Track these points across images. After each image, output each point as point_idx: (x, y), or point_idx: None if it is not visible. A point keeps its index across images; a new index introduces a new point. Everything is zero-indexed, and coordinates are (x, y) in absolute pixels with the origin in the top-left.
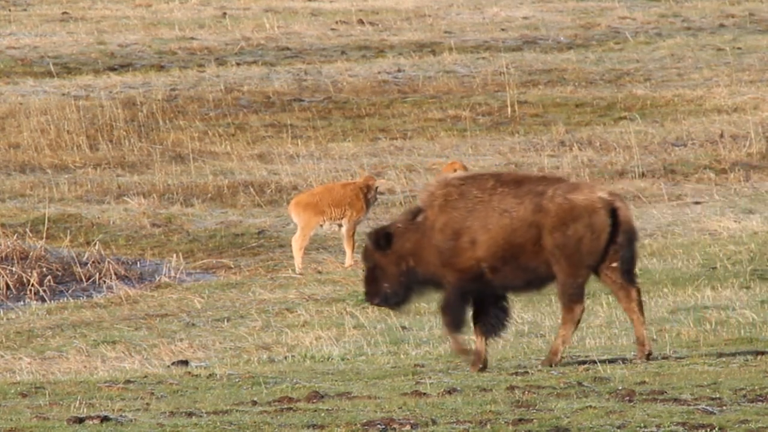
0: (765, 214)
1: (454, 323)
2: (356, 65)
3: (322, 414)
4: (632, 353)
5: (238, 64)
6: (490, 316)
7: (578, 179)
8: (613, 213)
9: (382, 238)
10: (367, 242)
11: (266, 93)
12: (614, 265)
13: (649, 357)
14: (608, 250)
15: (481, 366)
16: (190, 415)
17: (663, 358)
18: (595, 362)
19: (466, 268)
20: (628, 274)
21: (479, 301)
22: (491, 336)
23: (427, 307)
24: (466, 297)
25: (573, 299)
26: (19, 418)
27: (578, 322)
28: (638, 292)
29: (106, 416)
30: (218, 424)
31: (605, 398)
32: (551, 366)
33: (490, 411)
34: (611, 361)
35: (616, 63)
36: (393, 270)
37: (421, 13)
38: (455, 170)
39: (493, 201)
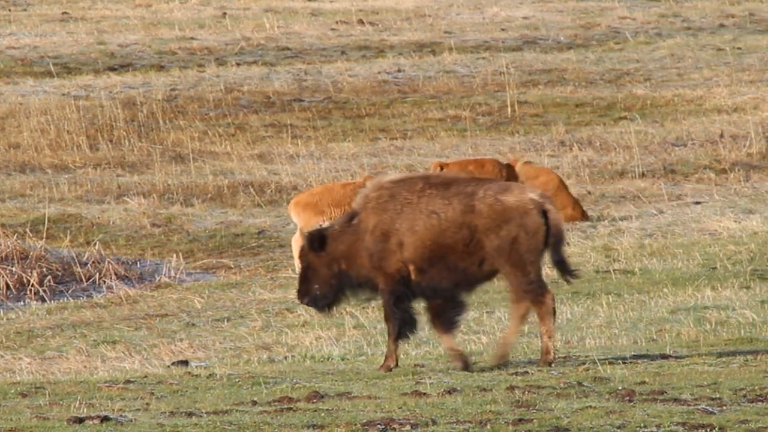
0: (765, 214)
1: (401, 331)
2: (356, 65)
3: (322, 414)
4: (632, 353)
5: (238, 64)
6: (446, 311)
7: (510, 181)
8: (544, 215)
9: (317, 240)
10: (303, 242)
11: (266, 93)
12: None
13: (549, 365)
14: (546, 247)
15: (463, 365)
16: (190, 415)
17: (663, 358)
18: (595, 362)
19: (395, 271)
20: (562, 269)
21: (429, 302)
22: (453, 329)
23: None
24: (401, 299)
25: (537, 293)
26: (19, 418)
27: (554, 311)
28: (553, 299)
29: (106, 416)
30: (218, 424)
31: (605, 398)
32: (550, 365)
33: (490, 411)
34: (611, 361)
35: (616, 63)
36: (325, 272)
37: (421, 13)
38: (441, 169)
39: (421, 203)
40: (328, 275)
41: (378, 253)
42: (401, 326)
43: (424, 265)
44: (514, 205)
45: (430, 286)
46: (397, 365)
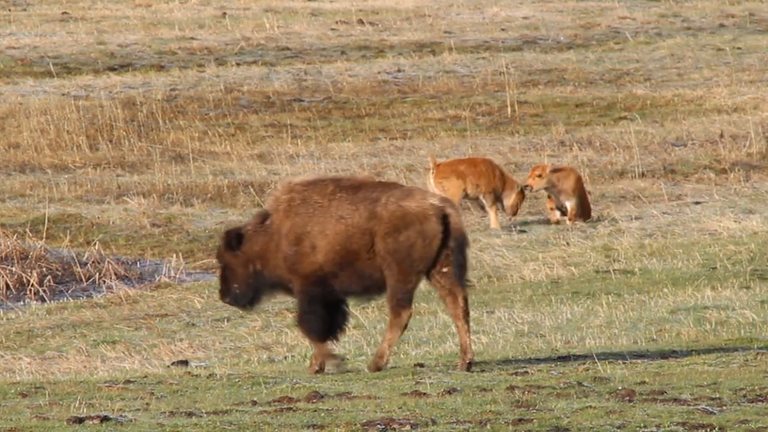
0: (765, 214)
1: (318, 332)
2: (356, 65)
3: (322, 414)
4: (632, 353)
5: (238, 64)
6: (332, 318)
7: (412, 186)
8: (445, 219)
9: (233, 239)
10: (220, 242)
11: (266, 93)
12: (445, 270)
13: (470, 367)
14: (440, 255)
15: (317, 369)
16: (190, 415)
17: (663, 358)
18: (595, 362)
19: (309, 273)
20: (459, 279)
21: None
22: (331, 338)
23: (427, 307)
24: (315, 300)
25: (401, 304)
26: (19, 418)
27: (405, 326)
28: (465, 299)
29: (106, 416)
30: (218, 424)
31: (605, 398)
32: (378, 370)
33: (490, 411)
34: (611, 361)
35: (616, 63)
36: (242, 271)
37: (421, 13)
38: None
39: (331, 207)
40: (245, 274)
41: (292, 256)
42: (309, 328)
43: (335, 269)
44: (415, 211)
45: (342, 290)
46: (334, 359)
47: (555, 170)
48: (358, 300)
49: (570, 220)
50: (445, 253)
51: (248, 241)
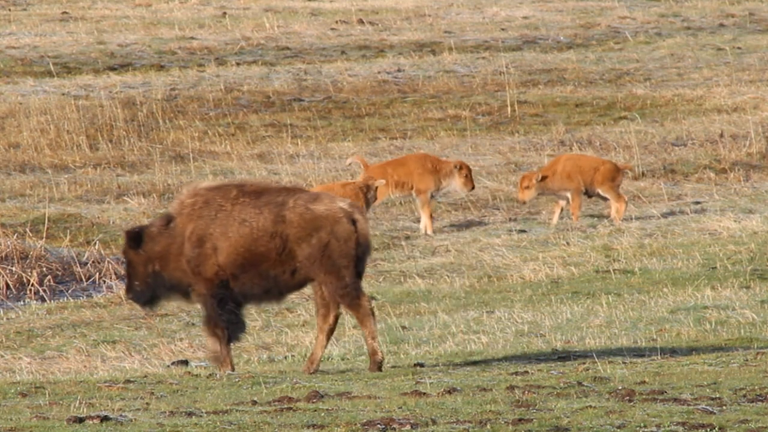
0: (765, 213)
1: (233, 334)
2: (356, 65)
3: (322, 414)
4: (633, 353)
5: (238, 64)
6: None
7: (318, 190)
8: (354, 224)
9: (136, 238)
10: (124, 240)
11: (266, 93)
12: None
13: (379, 368)
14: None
15: (230, 370)
16: (190, 414)
17: (663, 358)
18: (595, 362)
19: (212, 276)
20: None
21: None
22: (233, 340)
23: (427, 307)
24: (222, 302)
25: (353, 297)
26: (19, 417)
27: (372, 312)
28: (368, 299)
29: (106, 416)
30: (218, 423)
31: (605, 398)
32: (380, 368)
33: (490, 411)
34: (611, 361)
35: (616, 63)
36: (142, 270)
37: (421, 12)
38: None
39: (234, 211)
40: (145, 274)
41: (195, 258)
42: (230, 329)
43: (236, 271)
44: (324, 214)
45: (242, 292)
46: (233, 369)
47: (543, 178)
48: (256, 303)
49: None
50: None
51: (151, 241)
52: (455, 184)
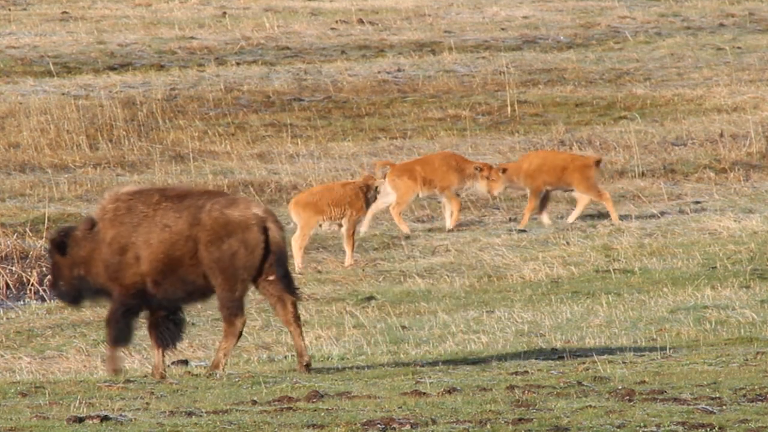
0: (765, 213)
1: (117, 338)
2: (356, 65)
3: (322, 413)
4: (633, 353)
5: (237, 64)
6: (164, 328)
7: (238, 195)
8: (265, 231)
9: (62, 240)
10: (49, 241)
11: (266, 92)
12: (271, 278)
13: (308, 368)
14: (264, 264)
15: (159, 377)
16: (189, 414)
17: (663, 357)
18: (595, 362)
19: (130, 284)
20: (287, 286)
21: (153, 313)
22: (167, 348)
23: (427, 307)
24: (129, 312)
25: (233, 313)
26: (19, 417)
27: (240, 334)
28: (294, 304)
29: (106, 416)
30: (218, 423)
31: (605, 398)
32: (213, 373)
33: (489, 410)
34: (611, 361)
35: (616, 62)
36: (67, 272)
37: (421, 12)
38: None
39: (156, 216)
40: (70, 276)
41: (114, 265)
42: (118, 335)
43: (158, 277)
44: (237, 220)
45: (165, 298)
46: (116, 372)
47: (504, 170)
48: (181, 305)
49: (523, 217)
50: (269, 262)
51: (75, 245)
52: (478, 186)
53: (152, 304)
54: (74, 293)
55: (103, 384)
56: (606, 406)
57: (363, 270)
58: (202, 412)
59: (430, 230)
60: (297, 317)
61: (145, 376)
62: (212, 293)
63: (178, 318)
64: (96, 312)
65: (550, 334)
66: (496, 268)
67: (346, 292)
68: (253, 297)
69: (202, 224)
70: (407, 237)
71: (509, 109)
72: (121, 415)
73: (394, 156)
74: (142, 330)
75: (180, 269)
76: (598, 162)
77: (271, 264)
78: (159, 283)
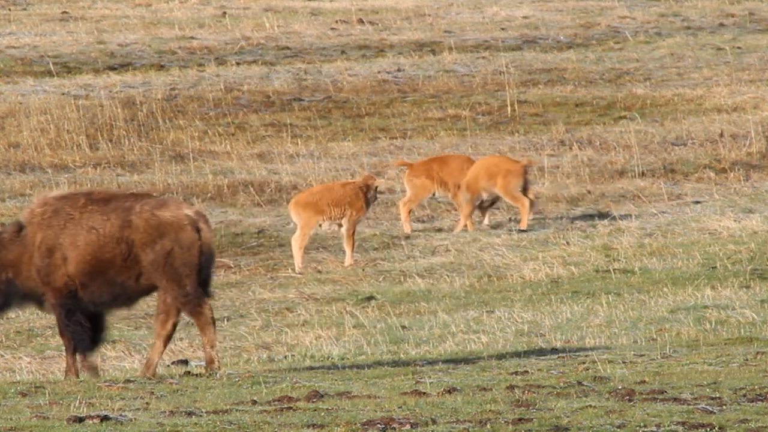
0: (765, 213)
1: (77, 345)
2: (356, 65)
3: (322, 413)
4: (633, 353)
5: (237, 64)
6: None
7: (167, 196)
8: (198, 231)
9: None
10: None
11: (266, 92)
12: None
13: (216, 370)
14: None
15: (74, 377)
16: (189, 414)
17: (663, 357)
18: (594, 361)
19: (61, 286)
20: (204, 288)
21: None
22: (80, 352)
23: (427, 307)
24: (71, 313)
25: (194, 303)
26: (19, 417)
27: (213, 320)
28: (210, 307)
29: (106, 415)
30: (218, 423)
31: (605, 398)
32: (213, 372)
33: (489, 410)
34: (611, 361)
35: (616, 62)
36: None
37: (421, 12)
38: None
39: (83, 219)
40: None
41: (45, 268)
42: (76, 339)
43: (85, 279)
44: (170, 220)
45: (91, 300)
46: (77, 376)
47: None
48: (107, 309)
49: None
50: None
51: (3, 249)
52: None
53: (81, 307)
54: (2, 299)
55: (103, 384)
56: (606, 406)
57: (363, 270)
58: (202, 412)
59: (438, 230)
60: (212, 322)
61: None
62: (140, 297)
63: (100, 322)
64: None
65: (550, 334)
66: (496, 268)
67: (346, 292)
68: (253, 297)
69: (133, 227)
70: (407, 237)
71: (509, 109)
72: (121, 415)
73: (395, 156)
74: (142, 330)
75: (109, 271)
76: (528, 165)
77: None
78: (86, 285)
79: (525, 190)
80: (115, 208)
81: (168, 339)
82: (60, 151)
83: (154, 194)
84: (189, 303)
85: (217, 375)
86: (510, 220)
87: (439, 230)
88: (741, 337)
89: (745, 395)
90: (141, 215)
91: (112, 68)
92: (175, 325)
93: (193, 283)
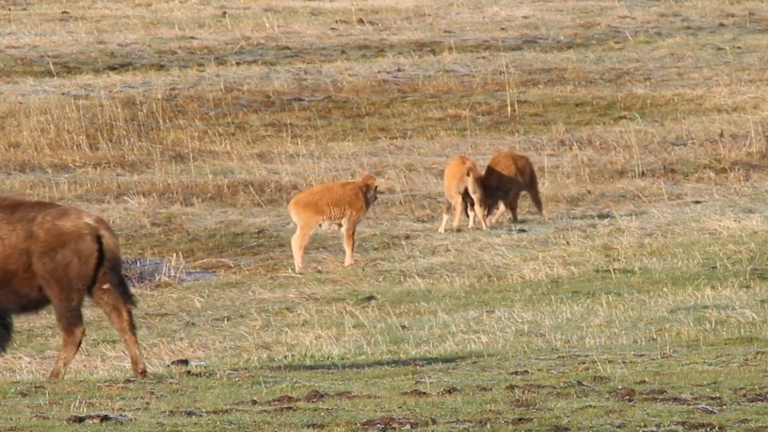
0: (765, 213)
1: None
2: (356, 64)
3: (322, 413)
4: (633, 353)
5: (237, 64)
6: None
7: (69, 205)
8: (98, 240)
9: None
10: None
11: (266, 92)
12: (106, 287)
13: (144, 374)
14: (98, 273)
15: None
16: (189, 414)
17: (663, 357)
18: (594, 361)
19: None
20: (122, 294)
21: None
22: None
23: (427, 307)
24: None
25: (71, 322)
26: (19, 417)
27: (79, 343)
28: (129, 313)
29: (105, 415)
30: (218, 423)
31: (605, 398)
32: (56, 382)
33: (489, 410)
34: (611, 361)
35: (616, 62)
36: None
37: (421, 12)
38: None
39: None
40: None
41: None
42: None
43: None
44: (70, 230)
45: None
46: None
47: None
48: (17, 315)
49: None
50: (103, 270)
51: None
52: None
53: None
54: None
55: (103, 384)
56: (606, 406)
57: (363, 270)
58: (202, 412)
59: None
60: (132, 326)
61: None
62: (44, 305)
63: (5, 323)
64: (96, 312)
65: (550, 334)
66: (496, 268)
67: (346, 292)
68: (253, 298)
69: (35, 237)
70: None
71: (509, 109)
72: (121, 415)
73: (395, 156)
74: (142, 330)
75: (14, 281)
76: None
77: (105, 272)
78: None
79: (486, 193)
80: (21, 218)
81: (132, 327)
82: (60, 151)
83: (58, 204)
84: (68, 318)
85: (57, 380)
86: (510, 219)
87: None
88: (741, 337)
89: (745, 395)
90: (42, 225)
91: (112, 68)
92: (130, 312)
93: (80, 299)
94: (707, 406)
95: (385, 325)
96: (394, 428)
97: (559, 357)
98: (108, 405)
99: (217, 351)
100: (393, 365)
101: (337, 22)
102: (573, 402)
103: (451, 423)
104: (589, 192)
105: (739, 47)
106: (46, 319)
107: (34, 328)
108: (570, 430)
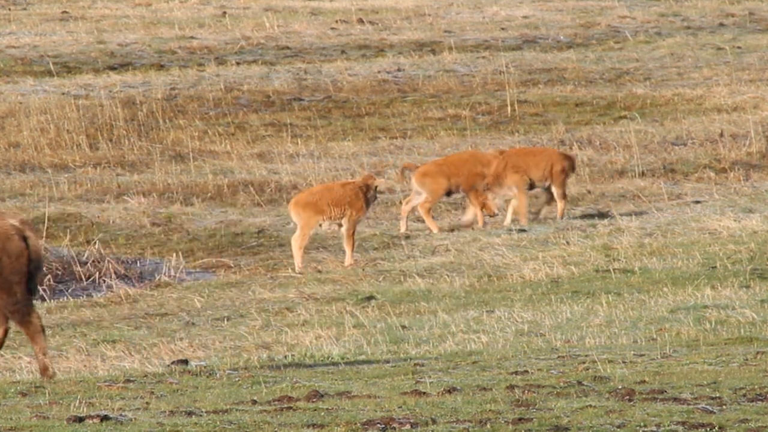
0: (765, 213)
1: None
2: (356, 64)
3: (322, 413)
4: (633, 353)
5: (237, 64)
6: None
7: None
8: (24, 240)
9: None
10: None
11: (266, 92)
12: None
13: (50, 377)
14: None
15: None
16: (189, 414)
17: (663, 357)
18: (594, 361)
19: None
20: (32, 291)
21: None
22: None
23: (427, 306)
24: None
25: (23, 313)
26: (18, 417)
27: (43, 329)
28: (38, 316)
29: (105, 415)
30: (218, 423)
31: (605, 397)
32: (51, 379)
33: (489, 410)
34: (611, 361)
35: (616, 62)
36: None
37: (421, 12)
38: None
39: None
40: None
41: None
42: None
43: None
44: None
45: None
46: None
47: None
48: None
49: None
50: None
51: None
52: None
53: None
54: None
55: (103, 384)
56: (606, 405)
57: (363, 270)
58: (202, 412)
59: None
60: (42, 330)
61: (145, 376)
62: None
63: None
64: (96, 312)
65: (550, 333)
66: (496, 268)
67: (346, 292)
68: (253, 297)
69: None
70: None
71: (509, 108)
72: (121, 415)
73: (395, 156)
74: (142, 329)
75: None
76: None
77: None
78: None
79: (450, 195)
80: None
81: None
82: (60, 151)
83: None
84: (18, 312)
85: (53, 380)
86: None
87: (440, 229)
88: (741, 337)
89: (745, 395)
90: None
91: (112, 68)
92: (6, 332)
93: (23, 291)
94: (707, 406)
95: (385, 325)
96: (394, 428)
97: (559, 357)
98: (108, 405)
99: (217, 351)
100: (393, 365)
101: (337, 22)
102: (573, 402)
103: (451, 423)
104: (589, 192)
105: (739, 47)
106: (46, 319)
107: None
108: (570, 430)
